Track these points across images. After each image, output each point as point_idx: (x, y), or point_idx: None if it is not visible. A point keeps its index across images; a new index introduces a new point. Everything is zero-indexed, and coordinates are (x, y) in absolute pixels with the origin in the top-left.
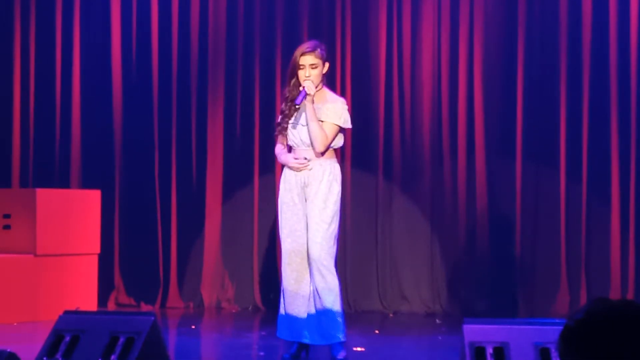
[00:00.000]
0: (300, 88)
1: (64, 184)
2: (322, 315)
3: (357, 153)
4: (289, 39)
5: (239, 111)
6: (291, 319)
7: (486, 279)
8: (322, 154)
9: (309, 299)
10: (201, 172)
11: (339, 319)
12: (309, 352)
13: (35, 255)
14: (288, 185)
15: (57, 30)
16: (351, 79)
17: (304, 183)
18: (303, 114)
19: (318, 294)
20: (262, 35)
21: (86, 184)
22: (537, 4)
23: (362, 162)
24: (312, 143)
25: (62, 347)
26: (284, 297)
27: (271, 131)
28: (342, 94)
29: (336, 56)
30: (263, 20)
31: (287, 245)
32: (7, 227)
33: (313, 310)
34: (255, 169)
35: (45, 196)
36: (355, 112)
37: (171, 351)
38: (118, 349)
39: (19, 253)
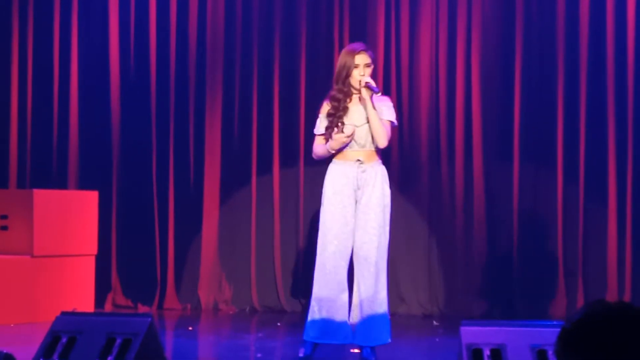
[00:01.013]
0: (361, 84)
1: (62, 184)
2: (377, 319)
3: None
4: (287, 40)
5: (236, 112)
6: (329, 323)
7: (483, 280)
8: (378, 152)
9: (357, 305)
10: (199, 173)
11: (388, 321)
12: (315, 351)
13: (33, 257)
14: (338, 187)
15: (54, 32)
16: None
17: (357, 186)
18: (355, 115)
19: (375, 301)
20: (260, 36)
21: (83, 184)
22: (535, 6)
23: None
24: (375, 139)
25: (59, 348)
26: (318, 302)
27: (267, 133)
28: None
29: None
30: (262, 21)
31: (333, 247)
32: (4, 228)
33: (364, 315)
34: (252, 170)
35: (42, 197)
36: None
37: (168, 353)
38: (115, 350)
39: (16, 254)
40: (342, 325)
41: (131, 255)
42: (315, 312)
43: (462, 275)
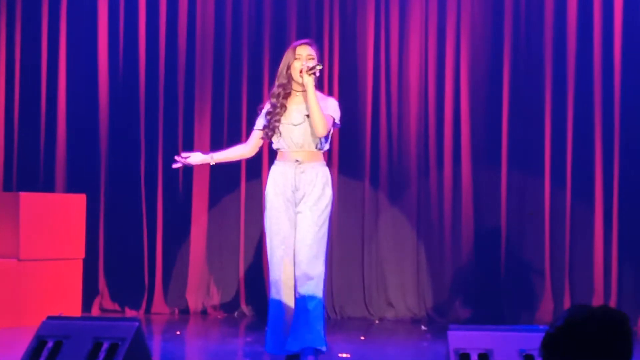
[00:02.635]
0: (303, 71)
1: (49, 187)
2: (312, 323)
3: (345, 160)
4: (276, 42)
5: (226, 115)
6: (284, 329)
7: (471, 286)
8: (321, 153)
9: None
10: (188, 177)
11: (320, 327)
12: None
13: (19, 260)
14: (279, 189)
15: (43, 34)
16: (339, 87)
17: (295, 187)
18: (294, 114)
19: (303, 299)
20: (249, 39)
21: (71, 188)
22: (523, 14)
23: (350, 169)
24: (313, 126)
25: (45, 353)
26: (274, 308)
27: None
28: None
29: (323, 63)
30: (251, 24)
31: (281, 252)
32: None
33: (300, 319)
34: (242, 175)
35: (29, 200)
36: (342, 121)
37: (156, 357)
38: (102, 355)
39: (2, 258)
40: (290, 330)
41: (119, 259)
42: (272, 320)
43: (450, 280)
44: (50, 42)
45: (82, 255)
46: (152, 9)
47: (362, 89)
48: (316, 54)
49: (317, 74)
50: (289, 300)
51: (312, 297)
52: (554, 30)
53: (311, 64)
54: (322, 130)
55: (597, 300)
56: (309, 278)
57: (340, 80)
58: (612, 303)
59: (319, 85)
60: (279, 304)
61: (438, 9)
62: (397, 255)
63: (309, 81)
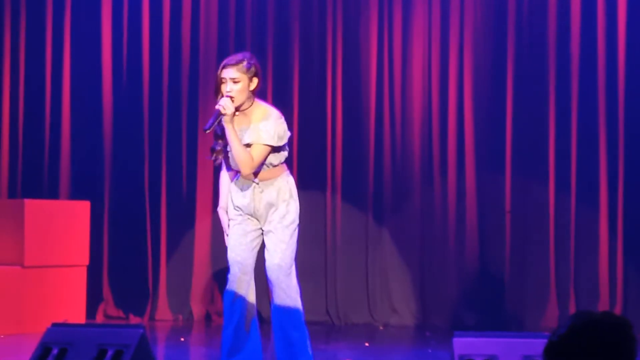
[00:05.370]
0: (216, 107)
1: (53, 194)
2: (294, 340)
3: (348, 166)
4: (279, 46)
5: None
6: (238, 340)
7: (476, 292)
8: (279, 166)
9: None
10: (191, 183)
11: (301, 342)
12: None
13: (23, 267)
14: (238, 203)
15: (47, 39)
16: (342, 93)
17: (255, 208)
18: (239, 134)
19: (282, 314)
20: (253, 42)
21: (75, 194)
22: (526, 17)
23: (354, 176)
24: (238, 166)
25: None
26: (229, 315)
27: None
28: (333, 110)
29: (326, 67)
30: (254, 29)
31: (236, 269)
32: None
33: (281, 338)
34: None
35: (33, 207)
36: (346, 127)
37: None
38: None
39: (6, 264)
40: (249, 342)
41: (123, 265)
42: (226, 325)
43: (455, 286)
44: (54, 49)
45: (87, 262)
46: (155, 14)
47: (365, 94)
48: (246, 69)
49: (225, 115)
50: (246, 309)
51: (292, 312)
52: (557, 34)
53: (223, 107)
54: (246, 170)
55: (602, 306)
56: (287, 295)
57: (343, 85)
58: (618, 309)
59: (321, 99)
60: (235, 315)
61: (441, 13)
62: (401, 261)
63: (226, 124)
